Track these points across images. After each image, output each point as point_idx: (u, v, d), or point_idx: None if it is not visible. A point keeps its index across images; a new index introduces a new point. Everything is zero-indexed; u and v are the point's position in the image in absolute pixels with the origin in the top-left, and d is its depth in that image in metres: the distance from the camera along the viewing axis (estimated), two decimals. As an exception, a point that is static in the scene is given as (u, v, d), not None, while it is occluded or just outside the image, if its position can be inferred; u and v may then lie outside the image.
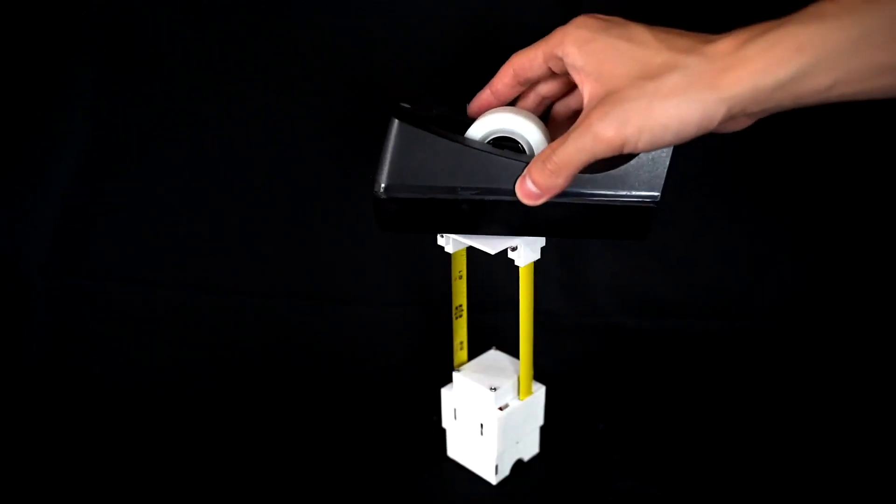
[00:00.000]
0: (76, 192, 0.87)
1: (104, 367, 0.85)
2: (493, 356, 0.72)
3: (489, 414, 0.67)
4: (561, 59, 0.54)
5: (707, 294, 0.87)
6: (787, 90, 0.48)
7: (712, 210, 0.87)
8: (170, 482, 0.70)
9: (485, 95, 0.60)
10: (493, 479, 0.69)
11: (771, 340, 0.85)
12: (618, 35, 0.52)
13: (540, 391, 0.69)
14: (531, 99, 0.61)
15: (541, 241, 0.63)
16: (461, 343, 0.70)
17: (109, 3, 0.80)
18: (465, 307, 0.69)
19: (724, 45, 0.49)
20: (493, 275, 0.78)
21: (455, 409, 0.70)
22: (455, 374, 0.70)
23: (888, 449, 0.71)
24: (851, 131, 0.82)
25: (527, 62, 0.57)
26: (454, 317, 0.69)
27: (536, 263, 0.63)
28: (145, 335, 0.87)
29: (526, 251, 0.62)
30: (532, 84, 0.60)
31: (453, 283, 0.68)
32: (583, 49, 0.53)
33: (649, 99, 0.50)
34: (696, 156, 0.84)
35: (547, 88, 0.60)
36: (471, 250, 0.65)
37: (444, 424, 0.72)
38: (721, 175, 0.86)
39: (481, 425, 0.68)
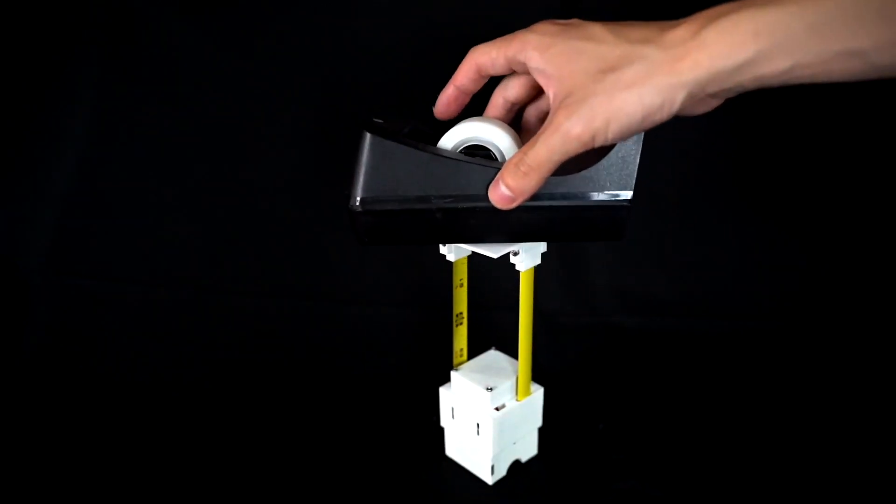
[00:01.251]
0: (76, 193, 0.87)
1: (103, 367, 0.85)
2: (493, 356, 0.72)
3: (485, 414, 0.67)
4: (524, 63, 0.56)
5: (707, 294, 0.86)
6: (746, 73, 0.49)
7: (712, 210, 0.87)
8: (168, 481, 0.70)
9: (449, 91, 0.60)
10: (490, 480, 0.69)
11: (771, 340, 0.85)
12: (576, 36, 0.54)
13: (538, 392, 0.69)
14: (500, 106, 0.61)
15: (542, 247, 0.63)
16: (461, 350, 0.70)
17: (109, 3, 0.81)
18: (465, 315, 0.69)
19: (682, 31, 0.51)
20: (493, 273, 0.78)
21: (453, 409, 0.70)
22: (453, 374, 0.70)
23: (888, 449, 0.71)
24: (850, 132, 0.82)
25: (488, 61, 0.58)
26: (455, 324, 0.69)
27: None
28: (144, 335, 0.88)
29: (527, 256, 0.62)
30: (495, 79, 0.60)
31: (454, 290, 0.68)
32: (544, 54, 0.54)
33: (611, 91, 0.51)
34: (696, 156, 0.86)
35: (514, 93, 0.61)
36: (472, 255, 0.66)
37: (443, 423, 0.72)
38: (720, 175, 0.86)
39: (478, 425, 0.68)
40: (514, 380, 0.68)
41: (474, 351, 0.72)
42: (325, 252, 0.88)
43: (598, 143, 0.52)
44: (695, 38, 0.50)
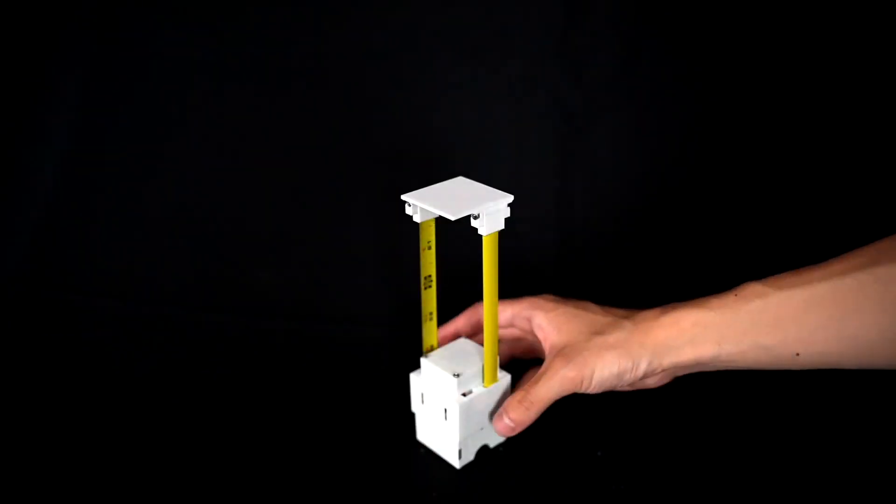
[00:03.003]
0: (54, 204, 0.85)
1: (81, 384, 0.81)
2: (462, 344, 0.73)
3: (452, 400, 0.69)
4: (528, 320, 0.72)
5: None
6: (686, 352, 0.66)
7: (709, 217, 0.88)
8: (153, 487, 0.69)
9: (449, 330, 0.77)
10: (457, 464, 0.71)
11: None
12: (574, 306, 0.71)
13: (505, 379, 0.71)
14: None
15: (505, 211, 0.64)
16: (430, 313, 0.72)
17: (95, 6, 0.80)
18: (433, 278, 0.70)
19: (648, 314, 0.68)
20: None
21: (422, 394, 0.72)
22: (423, 360, 0.71)
23: (888, 449, 0.71)
24: (849, 132, 0.83)
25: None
26: (423, 287, 0.70)
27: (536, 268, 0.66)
28: (125, 352, 0.85)
29: (489, 219, 0.63)
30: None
31: (422, 253, 0.69)
32: (548, 315, 0.71)
33: (599, 348, 0.67)
34: (696, 156, 0.87)
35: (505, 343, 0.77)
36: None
37: (413, 409, 0.73)
38: (719, 176, 0.87)
39: (445, 410, 0.69)
40: (482, 366, 0.70)
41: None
42: (312, 269, 0.88)
43: (584, 388, 0.67)
44: (656, 320, 0.67)
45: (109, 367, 0.83)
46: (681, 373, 0.69)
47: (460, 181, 0.67)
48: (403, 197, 0.65)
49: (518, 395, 0.68)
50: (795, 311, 0.62)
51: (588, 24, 0.84)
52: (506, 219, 0.65)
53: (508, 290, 0.72)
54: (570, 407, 0.74)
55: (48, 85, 0.83)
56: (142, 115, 0.83)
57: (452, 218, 0.61)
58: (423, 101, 0.87)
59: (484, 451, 0.72)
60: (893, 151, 0.84)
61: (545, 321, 0.71)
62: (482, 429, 0.71)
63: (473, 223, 0.63)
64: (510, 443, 0.73)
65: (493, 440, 0.73)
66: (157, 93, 0.82)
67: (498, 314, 0.68)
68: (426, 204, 0.63)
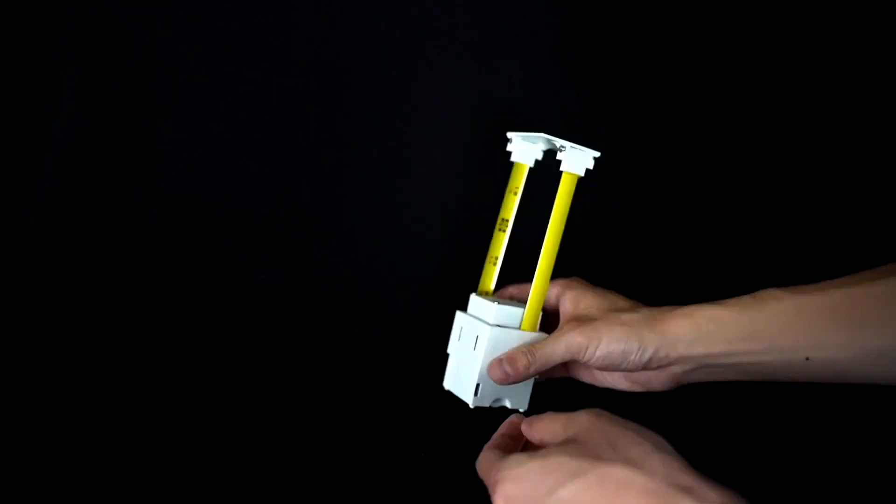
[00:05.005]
0: (53, 203, 0.85)
1: (80, 383, 0.79)
2: (514, 293, 0.75)
3: (485, 327, 0.70)
4: (557, 298, 0.74)
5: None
6: (696, 346, 0.66)
7: (710, 217, 0.87)
8: (153, 488, 0.69)
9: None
10: (471, 402, 0.70)
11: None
12: (594, 289, 0.74)
13: (542, 335, 0.71)
14: None
15: (589, 163, 0.69)
16: (496, 258, 0.73)
17: (95, 6, 0.83)
18: (509, 222, 0.73)
19: (666, 308, 0.69)
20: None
21: (461, 329, 0.73)
22: (472, 296, 0.73)
23: (887, 450, 0.68)
24: (853, 130, 0.83)
25: (518, 292, 0.76)
26: (497, 228, 0.73)
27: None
28: (125, 352, 0.83)
29: (572, 159, 0.68)
30: None
31: (507, 195, 0.73)
32: (573, 292, 0.73)
33: (612, 321, 0.68)
34: (693, 159, 0.86)
35: None
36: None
37: (449, 349, 0.74)
38: (720, 176, 0.86)
39: (476, 338, 0.70)
40: (524, 313, 0.71)
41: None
42: (313, 269, 0.88)
43: (587, 356, 0.68)
44: (671, 312, 0.68)
45: (109, 366, 0.81)
46: (685, 379, 0.69)
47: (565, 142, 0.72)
48: (508, 134, 0.72)
49: (525, 347, 0.69)
50: (809, 316, 0.63)
51: (589, 24, 0.85)
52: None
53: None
54: (571, 407, 0.72)
55: (48, 85, 0.83)
56: (142, 115, 0.84)
57: (540, 144, 0.67)
58: (424, 102, 0.88)
59: (501, 409, 0.71)
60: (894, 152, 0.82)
61: (567, 298, 0.73)
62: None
63: (559, 156, 0.68)
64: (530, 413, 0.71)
65: (513, 403, 0.72)
66: (158, 93, 0.83)
67: (553, 263, 0.70)
68: (527, 140, 0.69)
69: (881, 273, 0.63)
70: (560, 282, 0.74)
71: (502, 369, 0.68)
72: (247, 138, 0.84)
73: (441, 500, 0.67)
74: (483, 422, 0.70)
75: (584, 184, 0.82)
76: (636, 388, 0.71)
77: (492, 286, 0.75)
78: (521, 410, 0.72)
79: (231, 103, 0.83)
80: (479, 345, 0.70)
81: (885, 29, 0.84)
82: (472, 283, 0.77)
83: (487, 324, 0.70)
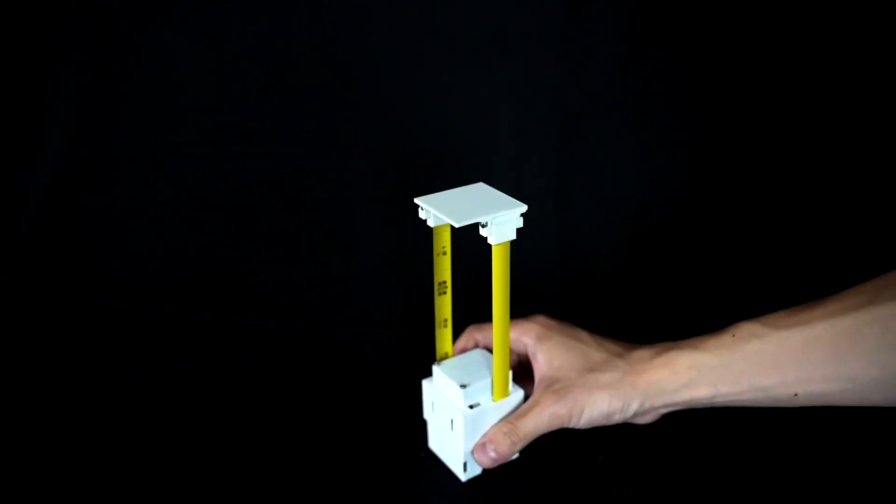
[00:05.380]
0: (52, 204, 0.85)
1: (80, 383, 0.80)
2: (478, 355, 0.71)
3: (458, 411, 0.67)
4: (524, 345, 0.71)
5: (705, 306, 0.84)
6: (682, 394, 0.65)
7: (711, 216, 0.86)
8: (153, 489, 0.68)
9: (467, 342, 0.74)
10: (462, 477, 0.69)
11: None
12: (567, 335, 0.70)
13: (517, 394, 0.69)
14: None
15: (518, 221, 0.62)
16: (444, 320, 0.70)
17: (91, 10, 0.80)
18: (448, 284, 0.69)
19: (642, 354, 0.67)
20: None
21: (433, 402, 0.70)
22: (434, 368, 0.70)
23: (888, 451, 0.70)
24: (853, 130, 0.81)
25: (483, 339, 0.73)
26: (437, 293, 0.69)
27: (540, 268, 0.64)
28: (125, 352, 0.84)
29: (498, 229, 0.61)
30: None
31: (436, 258, 0.67)
32: (542, 345, 0.69)
33: (590, 388, 0.65)
34: (697, 156, 0.85)
35: None
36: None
37: (425, 416, 0.72)
38: (720, 175, 0.85)
39: (452, 421, 0.68)
40: (492, 379, 0.68)
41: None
42: (313, 269, 0.87)
43: (572, 424, 0.66)
44: (651, 361, 0.66)
45: (109, 366, 0.82)
46: (674, 409, 0.68)
47: (479, 187, 0.65)
48: (417, 200, 0.64)
49: (504, 426, 0.66)
50: (793, 351, 0.61)
51: (589, 24, 0.83)
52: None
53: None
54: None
55: (47, 85, 0.82)
56: (142, 115, 0.83)
57: (457, 225, 0.60)
58: (424, 102, 0.86)
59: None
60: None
61: (539, 351, 0.69)
62: (490, 443, 0.69)
63: (482, 232, 0.61)
64: (522, 461, 0.71)
65: (504, 456, 0.71)
66: (158, 93, 0.82)
67: (509, 327, 0.66)
68: (436, 209, 0.62)
69: (861, 298, 0.60)
70: (527, 329, 0.71)
71: (488, 456, 0.66)
72: (247, 139, 0.84)
73: (441, 499, 0.68)
74: None
75: (587, 184, 0.86)
76: (622, 422, 0.69)
77: (450, 349, 0.71)
78: (514, 458, 0.71)
79: (231, 104, 0.83)
80: (457, 428, 0.67)
81: (885, 29, 0.81)
82: (474, 282, 0.75)
83: (459, 409, 0.67)
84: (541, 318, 0.72)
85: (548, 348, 0.69)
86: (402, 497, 0.68)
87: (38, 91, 0.84)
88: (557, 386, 0.66)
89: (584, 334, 0.71)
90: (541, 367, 0.69)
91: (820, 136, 0.83)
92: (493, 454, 0.66)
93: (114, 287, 0.86)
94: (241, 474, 0.69)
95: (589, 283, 0.88)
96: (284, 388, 0.80)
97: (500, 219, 0.61)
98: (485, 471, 0.70)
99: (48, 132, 0.84)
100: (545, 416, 0.65)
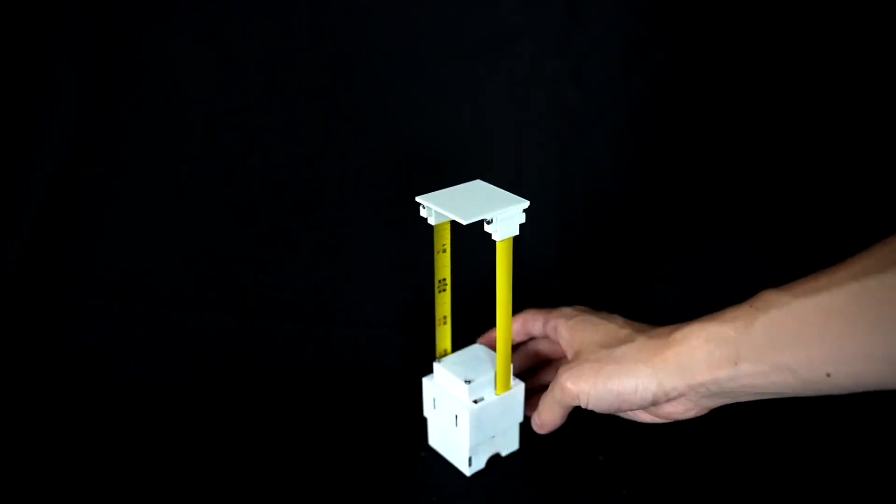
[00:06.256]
0: (52, 203, 0.84)
1: (79, 387, 0.79)
2: (477, 350, 0.72)
3: (462, 407, 0.68)
4: (555, 329, 0.70)
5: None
6: (701, 372, 0.58)
7: (712, 216, 0.86)
8: (153, 489, 0.68)
9: (493, 334, 0.72)
10: (467, 471, 0.70)
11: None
12: (596, 315, 0.68)
13: (518, 387, 0.69)
14: (529, 357, 0.76)
15: (520, 217, 0.63)
16: (444, 318, 0.70)
17: (91, 10, 0.79)
18: (448, 281, 0.69)
19: (662, 331, 0.62)
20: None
21: (434, 399, 0.71)
22: (435, 365, 0.70)
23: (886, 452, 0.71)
24: (854, 128, 0.82)
25: (531, 319, 0.73)
26: (437, 290, 0.69)
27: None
28: (123, 352, 0.83)
29: (503, 225, 0.62)
30: (532, 338, 0.75)
31: (436, 255, 0.68)
32: (567, 323, 0.68)
33: (602, 362, 0.62)
34: (696, 157, 0.85)
35: (542, 346, 0.76)
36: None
37: (425, 413, 0.72)
38: (721, 176, 0.85)
39: (456, 417, 0.68)
40: (495, 373, 0.69)
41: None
42: (313, 269, 0.87)
43: (582, 403, 0.63)
44: (668, 337, 0.60)
45: (109, 367, 0.82)
46: (711, 403, 0.61)
47: (477, 184, 0.66)
48: (418, 199, 0.64)
49: (533, 415, 0.69)
50: (816, 321, 0.53)
51: (589, 24, 0.83)
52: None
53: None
54: (571, 411, 0.73)
55: (48, 85, 0.82)
56: (141, 115, 0.82)
57: (464, 222, 0.60)
58: (424, 102, 0.86)
59: (495, 459, 0.71)
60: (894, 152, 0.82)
61: (564, 329, 0.69)
62: (494, 437, 0.70)
63: (487, 228, 0.62)
64: (524, 451, 0.72)
65: (505, 449, 0.72)
66: (158, 92, 0.82)
67: (511, 322, 0.67)
68: (439, 207, 0.62)
69: (884, 256, 0.52)
70: (560, 313, 0.70)
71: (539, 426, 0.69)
72: (247, 139, 0.84)
73: (441, 499, 0.68)
74: None
75: (587, 183, 0.86)
76: (660, 421, 0.64)
77: (449, 346, 0.72)
78: (514, 449, 0.72)
79: (231, 104, 0.82)
80: (462, 423, 0.68)
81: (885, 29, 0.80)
82: (473, 283, 0.76)
83: (464, 404, 0.67)
84: (578, 306, 0.71)
85: (571, 326, 0.68)
86: (402, 497, 0.68)
87: (38, 91, 0.83)
88: (573, 362, 0.64)
89: (616, 316, 0.68)
90: (567, 346, 0.68)
91: (818, 134, 0.83)
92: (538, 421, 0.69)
93: (113, 287, 0.85)
94: (242, 474, 0.69)
95: (587, 281, 0.88)
96: (284, 388, 0.80)
97: (505, 215, 0.61)
98: (486, 468, 0.70)
99: (48, 132, 0.84)
100: (556, 391, 0.64)
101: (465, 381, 0.68)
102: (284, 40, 0.81)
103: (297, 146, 0.85)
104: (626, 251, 0.90)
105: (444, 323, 0.71)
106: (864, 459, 0.70)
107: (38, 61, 0.81)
